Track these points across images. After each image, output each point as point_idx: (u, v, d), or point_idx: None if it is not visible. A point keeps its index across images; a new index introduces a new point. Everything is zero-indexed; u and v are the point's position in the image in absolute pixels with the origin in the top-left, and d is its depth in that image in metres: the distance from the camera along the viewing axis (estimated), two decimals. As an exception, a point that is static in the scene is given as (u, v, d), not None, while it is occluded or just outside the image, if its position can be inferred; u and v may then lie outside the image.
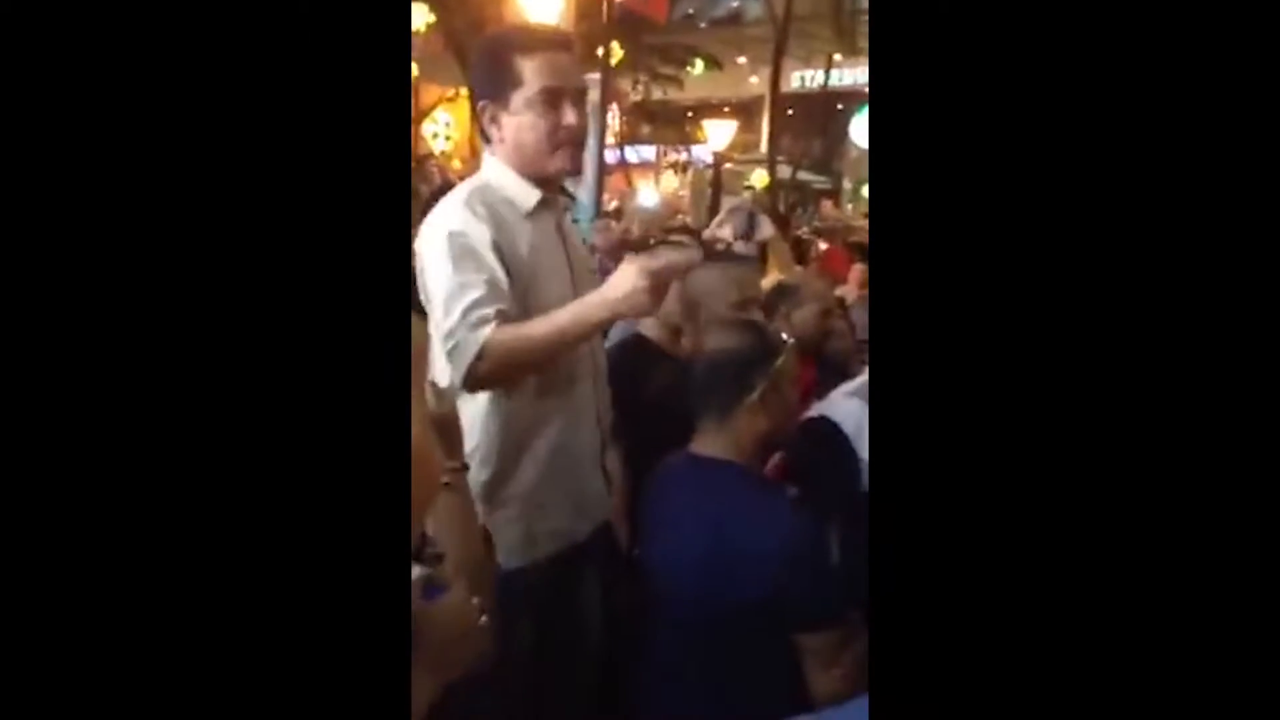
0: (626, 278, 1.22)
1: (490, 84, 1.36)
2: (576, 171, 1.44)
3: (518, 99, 1.33)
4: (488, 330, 1.23)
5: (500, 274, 1.28)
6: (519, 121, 1.34)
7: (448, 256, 1.26)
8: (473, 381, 1.24)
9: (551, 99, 1.33)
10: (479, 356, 1.23)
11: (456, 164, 9.44)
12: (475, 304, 1.24)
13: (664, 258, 1.33)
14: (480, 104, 1.38)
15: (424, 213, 1.38)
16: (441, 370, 1.26)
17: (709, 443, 1.31)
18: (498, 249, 1.28)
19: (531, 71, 1.33)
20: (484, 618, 0.68)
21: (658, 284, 1.22)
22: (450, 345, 1.24)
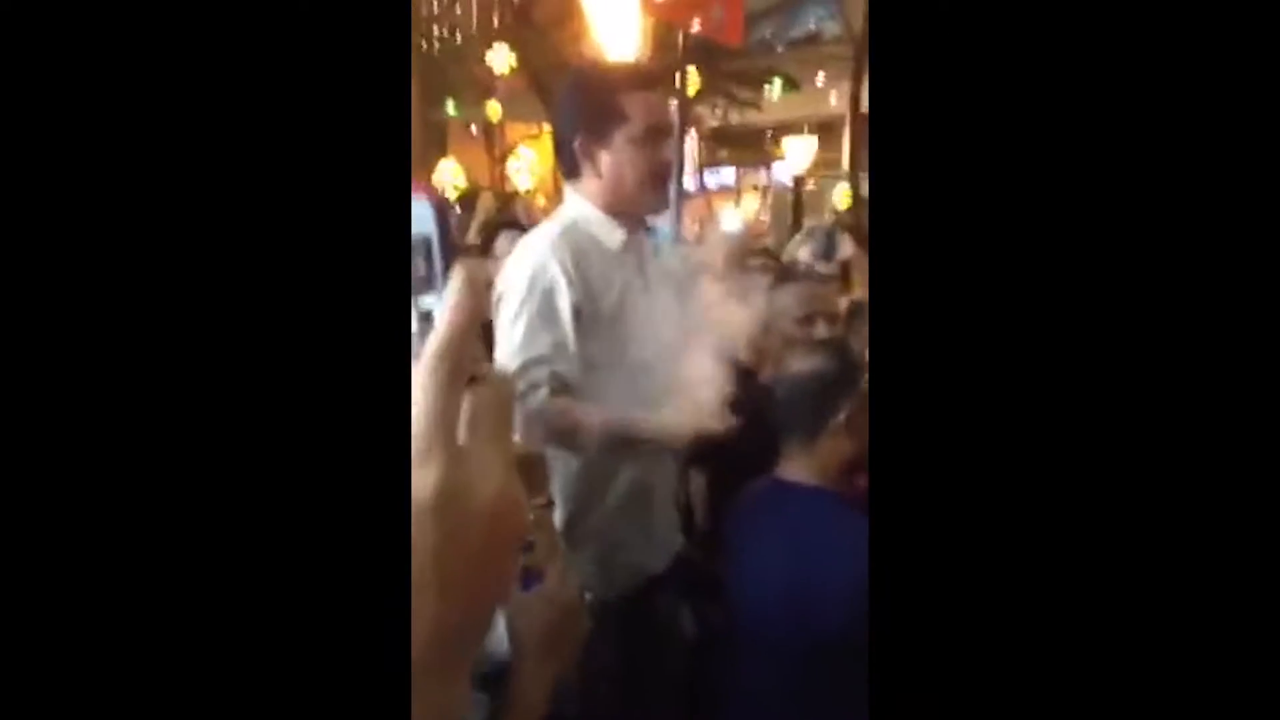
0: (680, 424, 1.23)
1: (590, 120, 1.36)
2: (666, 207, 1.45)
3: (620, 136, 1.34)
4: (539, 397, 1.24)
5: (570, 337, 1.28)
6: (620, 158, 1.35)
7: (526, 300, 1.28)
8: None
9: (653, 137, 1.34)
10: (523, 421, 1.24)
11: (541, 200, 9.64)
12: (537, 362, 1.25)
13: (721, 424, 1.31)
14: (577, 140, 1.37)
15: (482, 239, 1.40)
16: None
17: (795, 467, 1.29)
18: (578, 311, 1.29)
19: (636, 109, 1.34)
20: (587, 594, 0.68)
21: (708, 440, 1.22)
22: None
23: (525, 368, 1.25)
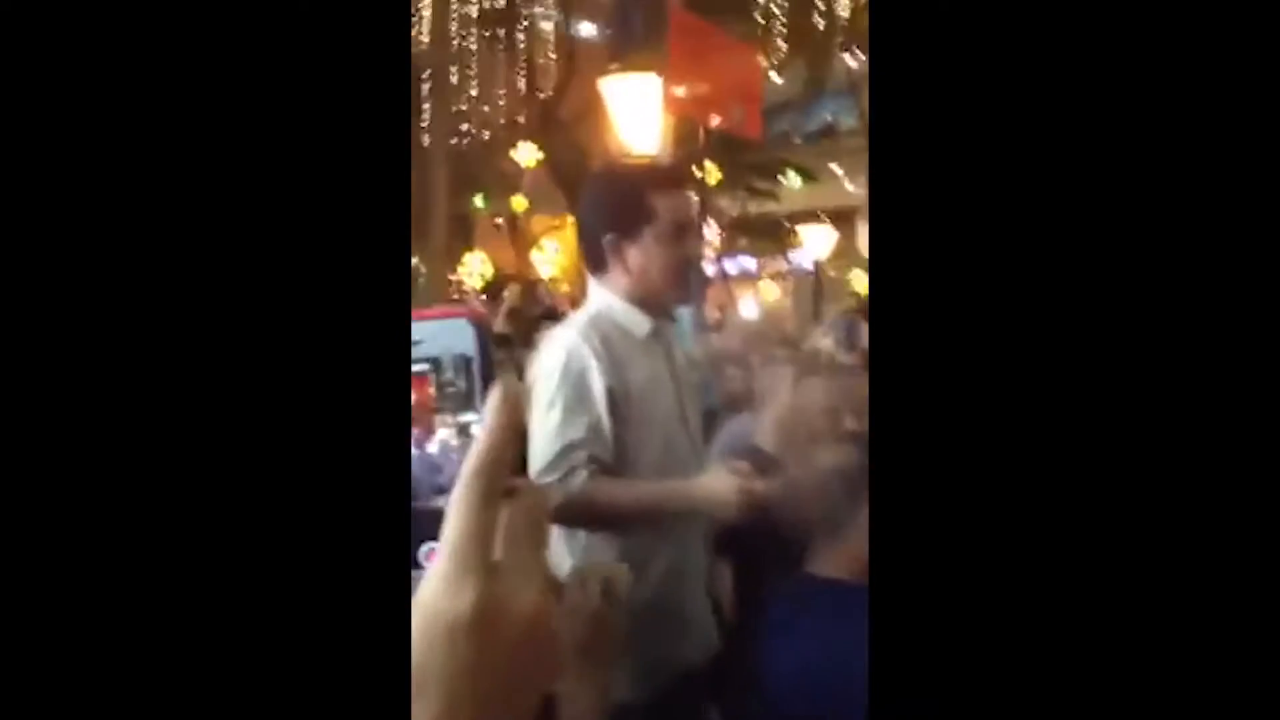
0: (721, 488, 1.22)
1: (620, 218, 1.40)
2: (690, 299, 1.48)
3: (649, 234, 1.38)
4: (579, 480, 1.25)
5: (605, 420, 1.30)
6: (648, 254, 1.39)
7: (560, 385, 1.30)
8: (552, 520, 1.26)
9: (679, 233, 1.39)
10: (566, 504, 1.24)
11: (565, 288, 9.80)
12: (575, 445, 1.27)
13: (763, 481, 1.32)
14: (606, 237, 1.41)
15: (521, 336, 1.44)
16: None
17: (825, 563, 1.27)
18: (610, 393, 1.31)
19: (664, 207, 1.38)
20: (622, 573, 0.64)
21: (748, 502, 1.22)
22: (543, 481, 1.26)
23: (563, 452, 1.27)
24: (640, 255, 1.38)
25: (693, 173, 1.53)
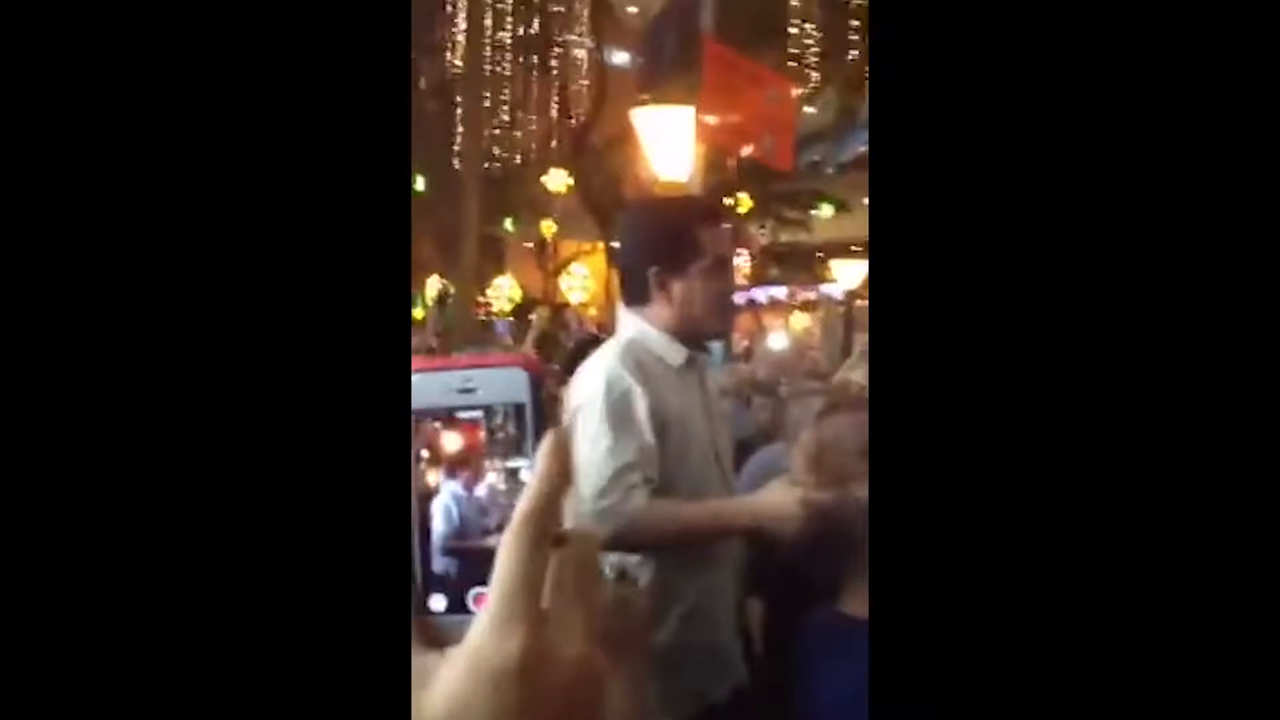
0: (784, 503, 1.21)
1: (666, 251, 1.40)
2: (730, 331, 1.50)
3: (694, 267, 1.38)
4: (640, 500, 1.25)
5: (651, 440, 1.30)
6: (692, 287, 1.38)
7: (605, 409, 1.30)
8: (614, 544, 1.25)
9: (722, 267, 1.40)
10: (628, 527, 1.24)
11: (592, 312, 9.86)
12: (628, 468, 1.26)
13: (826, 495, 1.32)
14: (652, 270, 1.40)
15: (564, 361, 1.45)
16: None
17: (856, 602, 1.25)
18: (653, 413, 1.31)
19: (709, 241, 1.39)
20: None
21: (810, 517, 1.22)
22: (601, 506, 1.25)
23: (617, 475, 1.26)
24: (684, 288, 1.38)
25: (729, 205, 1.56)
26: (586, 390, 1.34)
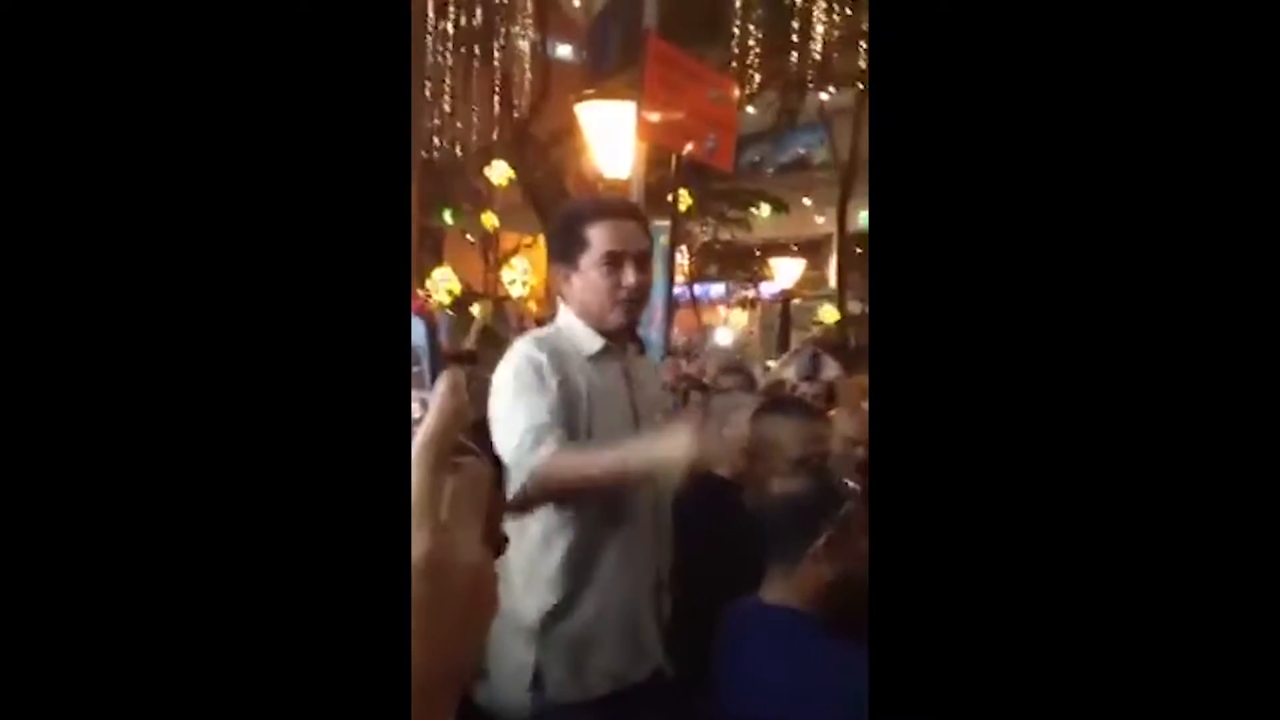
0: (679, 444, 1.26)
1: (562, 248, 1.51)
2: (633, 326, 1.54)
3: (585, 261, 1.47)
4: (544, 452, 1.30)
5: (558, 401, 1.37)
6: (584, 281, 1.47)
7: (513, 381, 1.38)
8: (521, 502, 1.30)
9: (614, 261, 1.46)
10: (530, 478, 1.29)
11: (533, 306, 9.80)
12: (534, 427, 1.33)
13: (726, 433, 1.39)
14: (553, 265, 1.53)
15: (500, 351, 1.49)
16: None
17: (777, 589, 1.30)
18: (562, 385, 1.38)
19: (597, 238, 1.46)
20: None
21: (702, 456, 1.26)
22: (517, 458, 1.32)
23: (529, 432, 1.32)
24: (579, 281, 1.48)
25: (638, 208, 1.57)
26: (501, 372, 1.40)
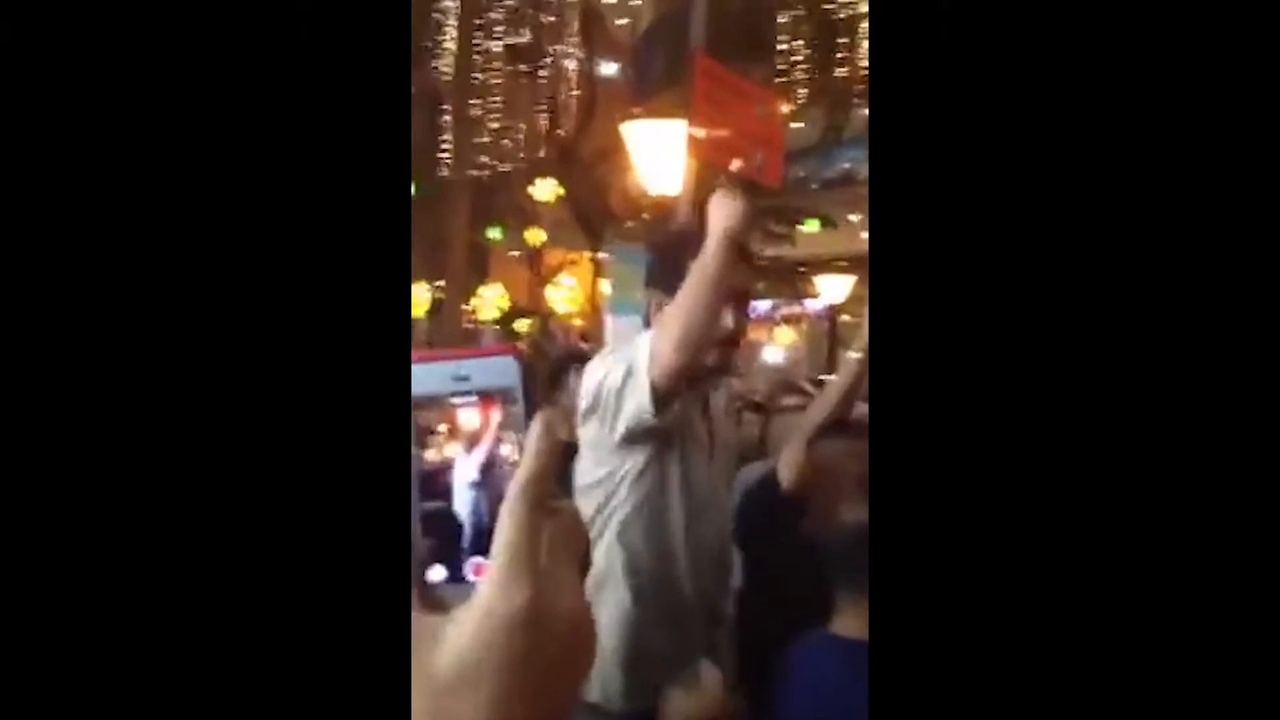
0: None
1: (664, 277, 1.45)
2: (729, 373, 1.49)
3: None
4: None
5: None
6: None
7: (619, 363, 1.36)
8: (661, 390, 1.31)
9: (732, 301, 1.40)
10: (651, 359, 1.30)
11: (577, 322, 9.86)
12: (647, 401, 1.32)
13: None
14: (650, 290, 1.47)
15: (552, 370, 1.48)
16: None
17: (848, 623, 1.25)
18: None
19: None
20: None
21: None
22: (661, 391, 1.31)
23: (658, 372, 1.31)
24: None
25: (747, 245, 1.51)
26: (589, 381, 1.39)
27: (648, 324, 1.49)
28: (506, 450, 0.44)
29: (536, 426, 0.38)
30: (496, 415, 0.44)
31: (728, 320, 1.40)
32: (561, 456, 0.38)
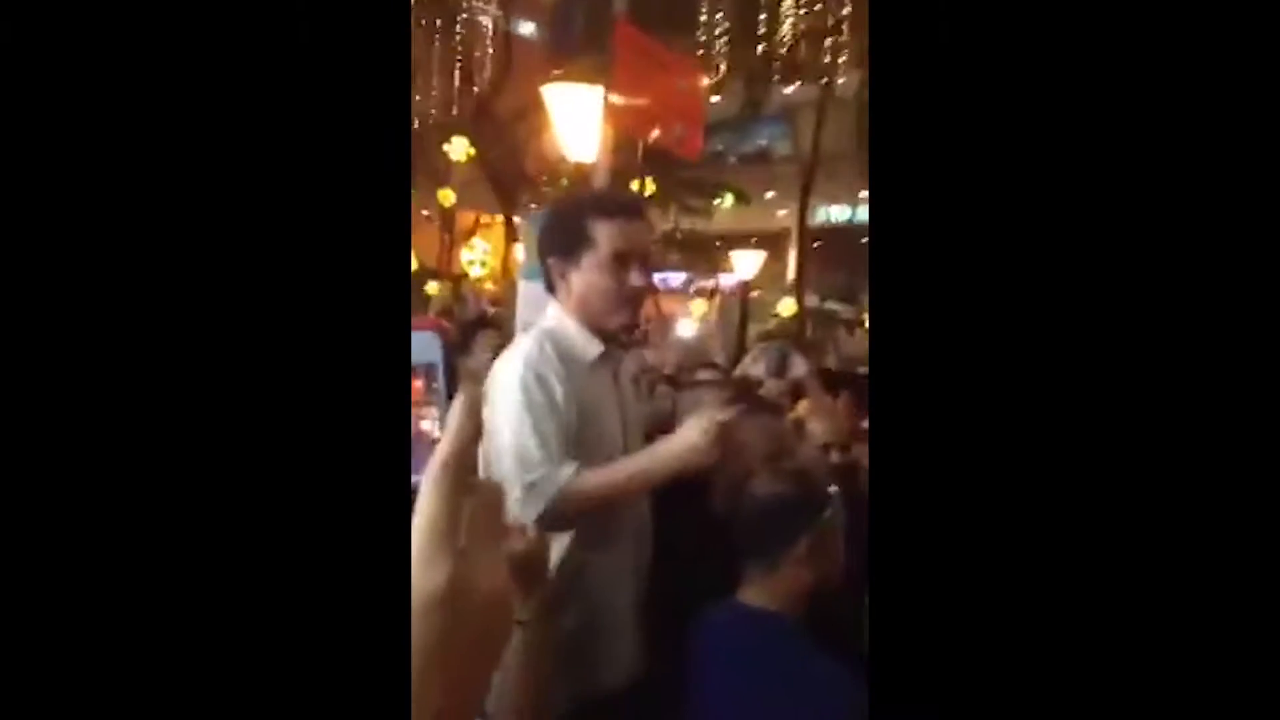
0: (692, 433, 1.26)
1: (562, 243, 1.42)
2: (636, 327, 1.49)
3: (588, 260, 1.39)
4: (570, 471, 1.27)
5: (573, 421, 1.33)
6: (586, 280, 1.40)
7: (524, 394, 1.31)
8: (550, 520, 1.26)
9: (621, 261, 1.39)
10: (561, 497, 1.25)
11: (490, 286, 9.70)
12: (555, 445, 1.28)
13: (725, 412, 1.40)
14: (550, 260, 1.44)
15: (462, 335, 1.44)
16: (518, 510, 1.27)
17: (756, 592, 1.29)
18: (568, 399, 1.33)
19: (604, 236, 1.39)
20: None
21: (721, 438, 1.26)
22: (530, 479, 1.26)
23: (544, 447, 1.28)
24: (580, 279, 1.41)
25: (643, 205, 1.52)
26: (505, 377, 1.33)
27: (550, 289, 1.47)
28: (427, 426, 0.43)
29: (458, 404, 0.38)
30: (418, 390, 0.44)
31: (635, 279, 1.40)
32: (480, 436, 0.38)
